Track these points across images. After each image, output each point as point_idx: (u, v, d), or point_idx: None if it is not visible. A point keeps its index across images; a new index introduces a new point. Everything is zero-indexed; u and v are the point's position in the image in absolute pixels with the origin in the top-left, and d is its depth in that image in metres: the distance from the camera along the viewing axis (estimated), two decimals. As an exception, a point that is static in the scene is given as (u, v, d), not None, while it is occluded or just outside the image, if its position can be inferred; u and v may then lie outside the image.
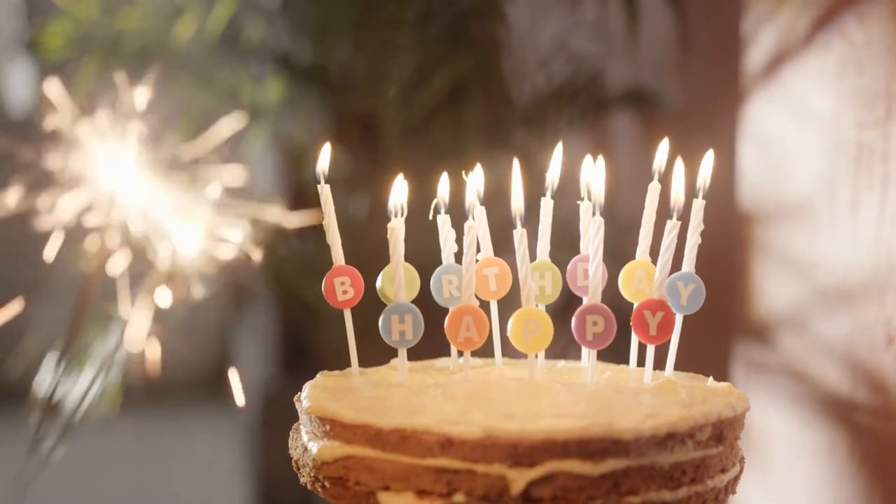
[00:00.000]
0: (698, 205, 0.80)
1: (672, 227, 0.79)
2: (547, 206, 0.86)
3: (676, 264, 0.80)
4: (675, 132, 0.90)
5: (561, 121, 1.67)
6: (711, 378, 0.83)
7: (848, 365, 1.15)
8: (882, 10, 1.10)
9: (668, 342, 0.82)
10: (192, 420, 3.31)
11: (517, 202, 0.81)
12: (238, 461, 2.74)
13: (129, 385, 1.78)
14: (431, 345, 0.87)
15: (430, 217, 0.85)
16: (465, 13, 1.72)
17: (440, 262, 0.86)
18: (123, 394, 1.77)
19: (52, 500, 2.66)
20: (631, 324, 0.81)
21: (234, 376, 1.02)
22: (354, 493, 0.74)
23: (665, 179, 0.82)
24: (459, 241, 0.83)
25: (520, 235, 0.80)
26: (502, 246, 0.88)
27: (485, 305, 0.84)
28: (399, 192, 0.83)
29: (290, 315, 2.26)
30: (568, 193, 0.91)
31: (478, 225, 0.83)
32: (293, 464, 0.80)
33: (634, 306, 0.81)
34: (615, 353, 0.86)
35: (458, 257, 0.84)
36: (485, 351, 0.85)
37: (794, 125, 1.24)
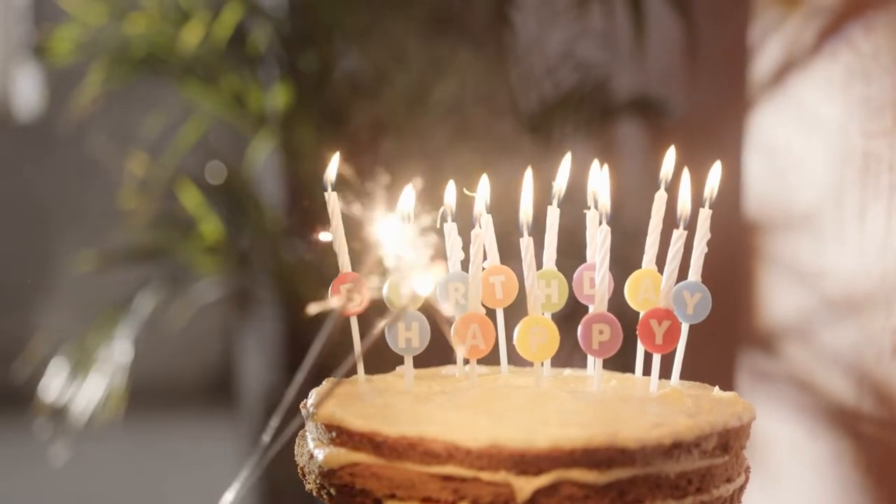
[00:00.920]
0: (705, 214, 0.80)
1: (678, 236, 0.79)
2: (553, 214, 0.86)
3: (683, 273, 0.80)
4: (681, 140, 0.90)
5: (567, 128, 1.67)
6: (717, 387, 0.83)
7: (854, 374, 1.15)
8: (889, 20, 1.10)
9: (674, 351, 0.82)
10: (196, 425, 3.31)
11: (526, 211, 0.81)
12: (242, 467, 2.74)
13: (133, 390, 1.78)
14: (437, 352, 0.87)
15: (437, 225, 0.85)
16: (472, 21, 1.73)
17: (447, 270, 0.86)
18: (127, 399, 1.77)
19: (56, 505, 2.67)
20: (637, 333, 0.81)
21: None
22: (360, 500, 0.74)
23: (672, 188, 0.82)
24: (466, 248, 0.83)
25: (526, 244, 0.80)
26: (509, 254, 0.88)
27: (491, 313, 0.84)
28: (407, 200, 0.82)
29: (295, 322, 2.26)
30: (574, 202, 0.91)
31: (484, 233, 0.83)
32: (299, 471, 0.80)
33: (640, 315, 0.81)
34: (621, 361, 0.86)
35: (465, 265, 0.84)
36: (491, 359, 0.85)
37: (800, 134, 1.24)
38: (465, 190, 0.84)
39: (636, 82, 1.65)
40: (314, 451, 0.77)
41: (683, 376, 0.84)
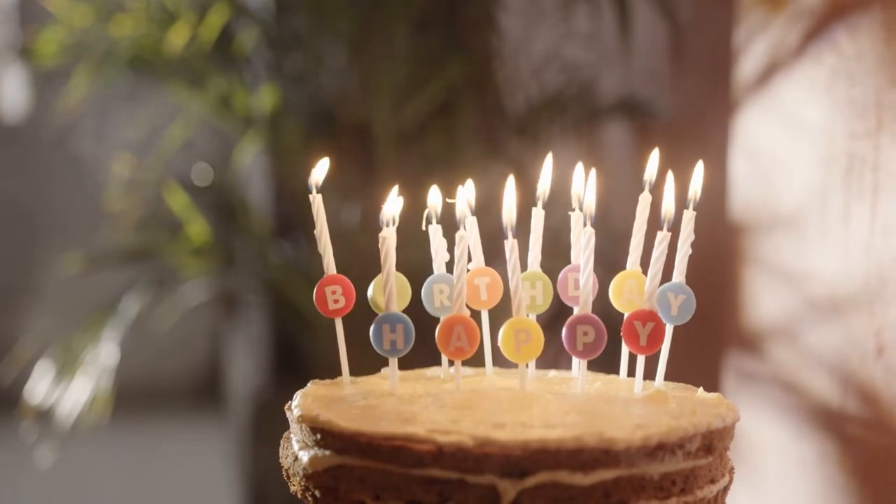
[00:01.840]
0: (689, 216, 0.80)
1: (663, 237, 0.79)
2: (538, 216, 0.87)
3: (667, 275, 0.81)
4: (666, 142, 0.90)
5: (553, 130, 1.67)
6: (701, 388, 0.83)
7: (838, 376, 1.16)
8: (873, 22, 1.11)
9: (659, 352, 0.82)
10: (183, 427, 3.31)
11: (509, 214, 0.81)
12: (228, 469, 2.74)
13: (119, 392, 1.78)
14: (422, 354, 0.87)
15: (423, 227, 0.85)
16: (459, 23, 1.73)
17: (431, 272, 0.86)
18: (114, 401, 1.77)
19: (43, 508, 2.66)
20: (621, 334, 0.81)
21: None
22: (345, 502, 0.74)
23: (656, 190, 0.82)
24: (451, 250, 0.83)
25: (511, 245, 0.80)
26: (493, 255, 0.88)
27: (476, 315, 0.84)
28: (392, 202, 0.83)
29: (283, 323, 2.26)
30: (559, 203, 0.91)
31: (469, 235, 0.83)
32: (283, 472, 0.80)
33: (625, 316, 0.81)
34: (605, 363, 0.87)
35: (450, 267, 0.84)
36: (475, 360, 0.85)
37: (785, 136, 1.25)
38: (446, 199, 0.84)
39: (622, 84, 1.66)
40: (299, 452, 0.77)
41: (668, 377, 0.84)
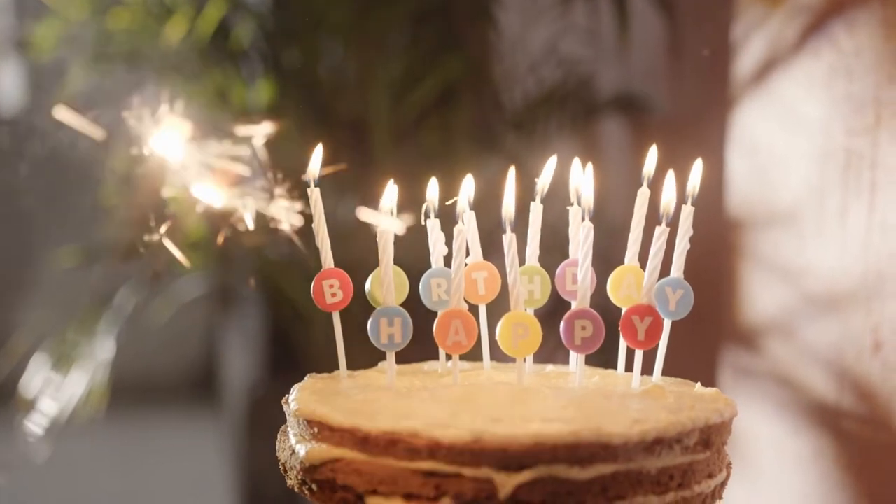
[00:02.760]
0: (687, 211, 0.80)
1: (661, 232, 0.79)
2: (536, 210, 0.87)
3: (665, 270, 0.81)
4: (664, 137, 0.90)
5: (551, 125, 1.67)
6: (699, 384, 0.83)
7: (835, 372, 1.16)
8: (871, 18, 1.11)
9: (657, 347, 0.82)
10: (179, 422, 3.30)
11: (508, 208, 0.81)
12: (225, 463, 2.74)
13: (115, 386, 1.78)
14: (420, 348, 0.87)
15: (422, 221, 0.85)
16: (456, 17, 1.73)
17: (429, 266, 0.86)
18: (110, 395, 1.77)
19: (37, 502, 2.65)
20: (619, 329, 0.81)
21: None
22: (342, 496, 0.74)
23: (654, 185, 0.82)
24: (449, 244, 0.83)
25: (509, 240, 0.80)
26: (491, 250, 0.88)
27: (474, 309, 0.84)
28: (389, 196, 0.83)
29: (279, 317, 2.26)
30: (557, 198, 0.91)
31: (467, 229, 0.83)
32: (280, 466, 0.79)
33: (623, 311, 0.81)
34: (603, 357, 0.87)
35: (448, 261, 0.84)
36: (473, 354, 0.85)
37: (783, 132, 1.25)
38: (445, 202, 0.84)
39: (620, 79, 1.65)
40: (296, 446, 0.77)
41: (666, 372, 0.84)
